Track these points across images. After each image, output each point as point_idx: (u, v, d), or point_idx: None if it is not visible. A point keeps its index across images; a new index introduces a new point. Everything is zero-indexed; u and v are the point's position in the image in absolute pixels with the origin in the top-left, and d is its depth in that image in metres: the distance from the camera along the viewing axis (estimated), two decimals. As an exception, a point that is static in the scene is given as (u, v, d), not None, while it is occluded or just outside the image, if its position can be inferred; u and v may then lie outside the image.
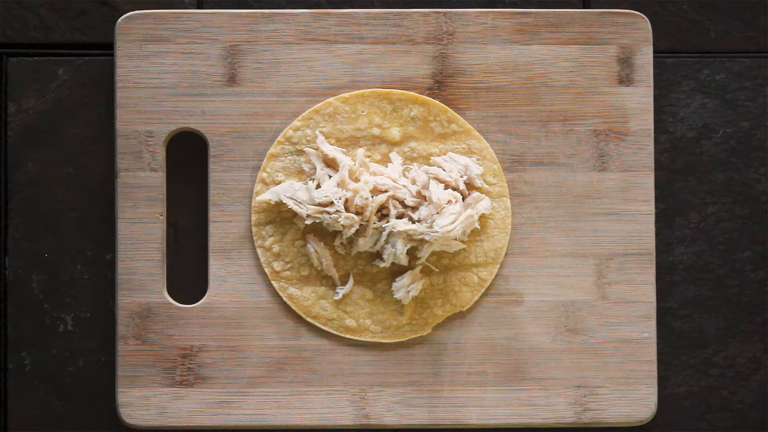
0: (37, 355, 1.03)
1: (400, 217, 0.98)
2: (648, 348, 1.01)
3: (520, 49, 1.01)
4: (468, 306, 1.01)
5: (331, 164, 0.99)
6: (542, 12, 1.01)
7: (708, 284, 1.05)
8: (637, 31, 1.01)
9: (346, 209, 0.97)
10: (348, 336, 1.00)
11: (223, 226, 1.01)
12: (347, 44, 1.01)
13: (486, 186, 1.00)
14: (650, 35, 1.01)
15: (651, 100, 1.01)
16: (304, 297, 1.00)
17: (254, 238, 1.00)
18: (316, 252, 0.99)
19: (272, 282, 1.00)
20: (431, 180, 0.98)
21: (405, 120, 1.00)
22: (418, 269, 1.00)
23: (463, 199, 0.99)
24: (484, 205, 0.99)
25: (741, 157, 1.05)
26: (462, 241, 0.99)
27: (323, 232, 1.00)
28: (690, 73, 1.05)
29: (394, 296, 1.00)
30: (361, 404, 1.01)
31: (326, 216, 0.97)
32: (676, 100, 1.05)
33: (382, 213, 0.98)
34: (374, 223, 0.97)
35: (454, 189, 0.98)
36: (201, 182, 1.02)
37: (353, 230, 0.97)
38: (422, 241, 0.97)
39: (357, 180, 0.98)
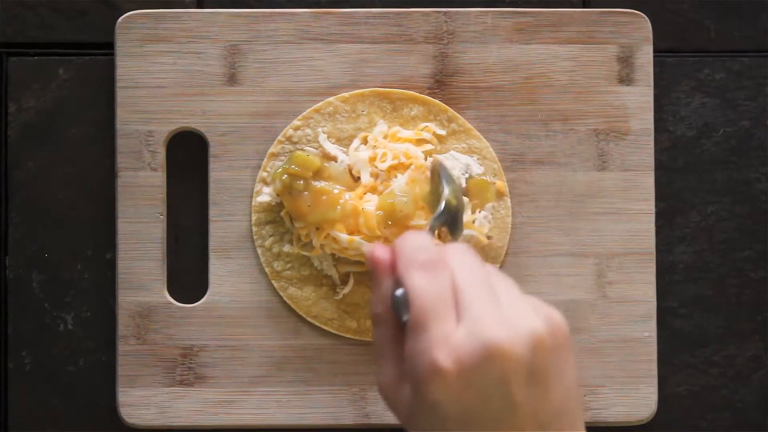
0: (37, 354, 1.03)
1: None
2: (648, 347, 1.01)
3: (520, 48, 1.01)
4: (468, 305, 1.00)
5: (331, 164, 1.00)
6: (542, 11, 1.01)
7: (708, 283, 1.05)
8: (638, 31, 1.01)
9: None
10: (349, 336, 1.00)
11: (223, 226, 1.01)
12: (347, 44, 1.01)
13: (486, 185, 1.01)
14: (650, 34, 1.01)
15: (651, 99, 1.01)
16: (305, 297, 1.00)
17: (254, 237, 1.00)
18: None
19: (273, 282, 1.00)
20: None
21: (405, 119, 1.00)
22: (418, 269, 1.00)
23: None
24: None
25: (741, 157, 1.05)
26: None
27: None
28: (690, 72, 1.05)
29: (395, 296, 1.00)
30: (361, 403, 1.01)
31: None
32: (677, 99, 1.05)
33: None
34: None
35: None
36: (201, 182, 1.02)
37: None
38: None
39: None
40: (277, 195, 0.98)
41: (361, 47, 1.01)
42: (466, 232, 0.96)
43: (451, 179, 0.91)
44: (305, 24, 1.01)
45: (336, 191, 0.96)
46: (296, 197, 0.96)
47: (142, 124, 1.01)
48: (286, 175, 0.96)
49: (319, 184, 0.96)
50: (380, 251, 0.78)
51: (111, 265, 1.03)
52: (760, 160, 1.05)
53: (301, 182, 0.96)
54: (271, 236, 1.00)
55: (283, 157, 1.00)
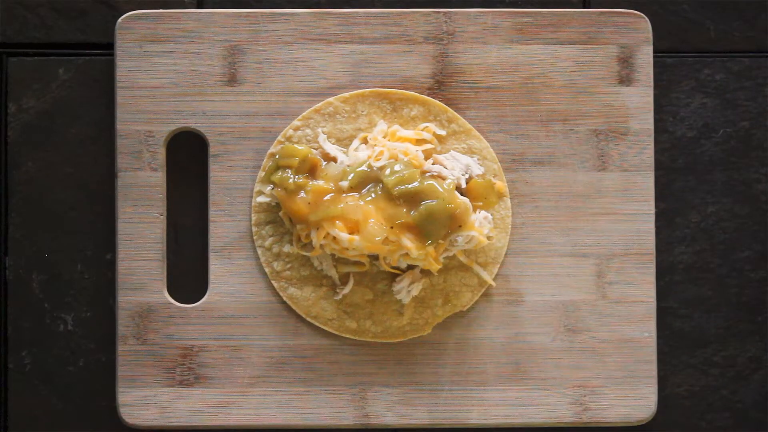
0: (37, 355, 1.03)
1: None
2: (648, 348, 1.01)
3: (520, 48, 1.01)
4: (468, 306, 1.01)
5: (331, 164, 1.00)
6: (542, 12, 1.01)
7: (708, 284, 1.05)
8: (637, 31, 1.01)
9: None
10: (348, 336, 1.00)
11: (223, 226, 1.01)
12: (347, 44, 1.01)
13: (486, 186, 1.01)
14: (650, 35, 1.01)
15: (651, 99, 1.01)
16: (305, 297, 1.00)
17: (254, 237, 1.00)
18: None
19: (272, 282, 1.00)
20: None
21: (405, 120, 1.00)
22: (418, 269, 1.00)
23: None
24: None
25: (741, 157, 1.05)
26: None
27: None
28: (690, 72, 1.05)
29: (395, 297, 1.00)
30: (361, 404, 1.01)
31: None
32: (676, 99, 1.05)
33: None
34: None
35: (456, 188, 0.98)
36: (201, 182, 1.03)
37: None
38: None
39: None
40: (275, 197, 0.98)
41: (361, 47, 1.01)
42: (467, 233, 0.96)
43: None
44: (305, 24, 1.01)
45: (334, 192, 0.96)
46: (295, 199, 0.96)
47: (142, 124, 1.01)
48: (276, 173, 0.96)
49: (317, 183, 0.96)
50: None
51: (111, 265, 1.03)
52: (760, 160, 1.05)
53: (292, 179, 0.96)
54: (271, 236, 1.00)
55: (282, 158, 1.00)
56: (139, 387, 1.00)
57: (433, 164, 0.98)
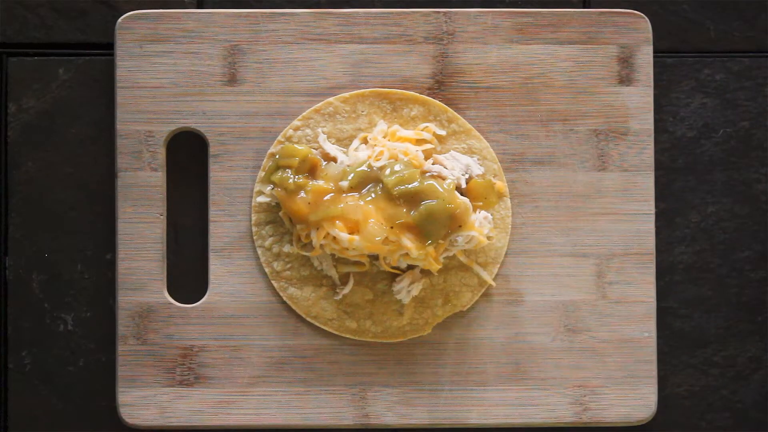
0: (37, 355, 1.03)
1: None
2: (648, 348, 1.01)
3: (520, 48, 1.01)
4: (468, 306, 1.01)
5: (331, 164, 1.00)
6: (542, 12, 1.01)
7: (708, 284, 1.05)
8: (637, 31, 1.01)
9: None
10: (348, 336, 1.00)
11: (223, 226, 1.01)
12: (347, 44, 1.01)
13: (486, 186, 1.01)
14: (650, 35, 1.01)
15: (651, 99, 1.01)
16: (305, 297, 1.00)
17: (254, 237, 1.00)
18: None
19: (272, 282, 1.00)
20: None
21: (405, 120, 1.00)
22: (418, 269, 1.00)
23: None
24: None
25: (741, 157, 1.05)
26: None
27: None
28: (690, 72, 1.05)
29: (395, 297, 1.00)
30: (361, 404, 1.01)
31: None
32: (676, 99, 1.05)
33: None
34: None
35: (456, 188, 0.98)
36: (201, 182, 1.02)
37: None
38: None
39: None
40: (275, 197, 0.98)
41: (361, 47, 1.01)
42: (467, 233, 0.96)
43: None
44: (305, 24, 1.01)
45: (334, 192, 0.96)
46: (295, 199, 0.96)
47: (142, 124, 1.01)
48: (276, 173, 0.96)
49: (317, 183, 0.96)
50: None
51: (111, 265, 1.03)
52: (760, 160, 1.05)
53: (292, 179, 0.96)
54: (271, 236, 1.00)
55: (282, 158, 1.00)
56: (139, 387, 1.00)
57: (433, 164, 0.98)
